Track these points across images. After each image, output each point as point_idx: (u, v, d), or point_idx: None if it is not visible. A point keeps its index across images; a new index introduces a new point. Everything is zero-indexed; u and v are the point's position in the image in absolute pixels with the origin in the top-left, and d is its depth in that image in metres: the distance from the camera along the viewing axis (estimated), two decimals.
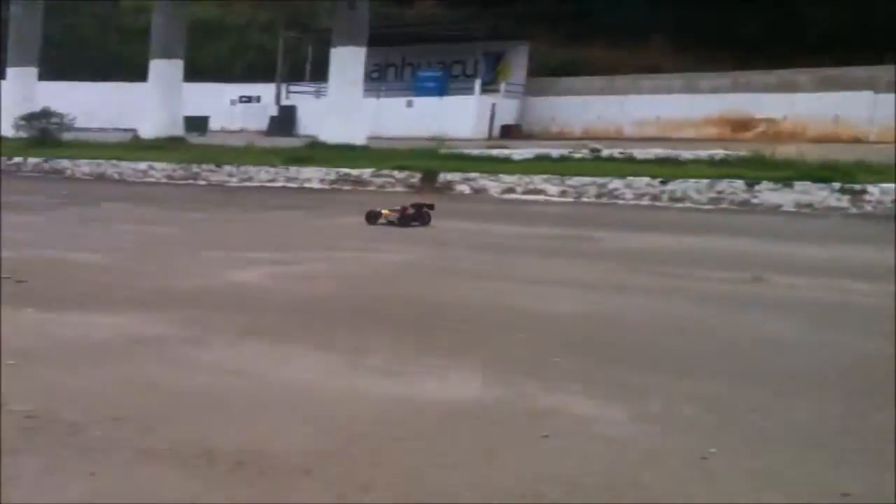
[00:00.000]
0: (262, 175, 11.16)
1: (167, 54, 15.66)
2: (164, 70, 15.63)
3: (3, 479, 1.94)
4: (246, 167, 11.33)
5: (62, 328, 3.52)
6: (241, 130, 32.34)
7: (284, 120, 29.78)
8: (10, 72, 17.83)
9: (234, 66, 37.41)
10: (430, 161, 11.14)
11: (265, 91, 33.95)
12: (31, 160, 12.91)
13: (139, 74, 39.38)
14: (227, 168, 11.41)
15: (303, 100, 31.16)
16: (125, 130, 26.63)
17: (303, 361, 3.04)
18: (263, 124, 31.13)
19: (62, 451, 2.14)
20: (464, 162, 11.15)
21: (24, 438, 2.22)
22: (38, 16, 18.30)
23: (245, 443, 2.19)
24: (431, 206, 7.31)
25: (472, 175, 10.05)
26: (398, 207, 7.21)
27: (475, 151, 12.65)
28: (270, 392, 2.68)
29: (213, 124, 28.23)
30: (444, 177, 10.16)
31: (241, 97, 34.35)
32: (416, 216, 7.16)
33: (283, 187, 10.96)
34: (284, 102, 31.41)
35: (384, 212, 7.20)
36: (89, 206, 8.81)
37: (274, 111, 31.17)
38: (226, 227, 7.33)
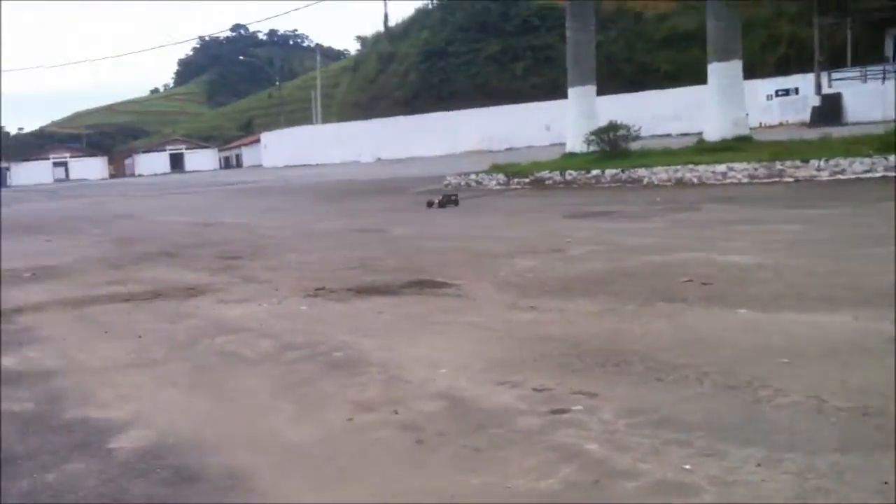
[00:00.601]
0: (855, 167, 10.50)
1: (724, 56, 15.62)
2: (723, 72, 15.61)
3: None
4: (836, 160, 10.75)
5: (796, 327, 3.54)
6: (780, 124, 31.34)
7: (829, 109, 28.05)
8: (572, 91, 19.17)
9: (765, 60, 36.45)
10: None
11: (802, 82, 32.52)
12: (609, 171, 13.72)
13: (665, 81, 40.46)
14: (814, 162, 10.93)
15: (848, 86, 29.06)
16: (661, 136, 27.45)
17: None
18: (804, 116, 29.79)
19: None
20: None
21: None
22: (592, 36, 19.45)
23: None
24: (455, 194, 12.37)
25: None
26: (440, 197, 11.95)
27: None
28: None
29: (751, 121, 27.69)
30: None
31: (778, 91, 33.34)
32: (448, 202, 11.71)
33: (883, 177, 10.17)
34: (826, 91, 29.55)
35: (436, 200, 11.75)
36: (690, 210, 9.02)
37: (815, 101, 29.51)
38: (855, 223, 6.93)
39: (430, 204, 11.75)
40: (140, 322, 5.05)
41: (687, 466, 2.13)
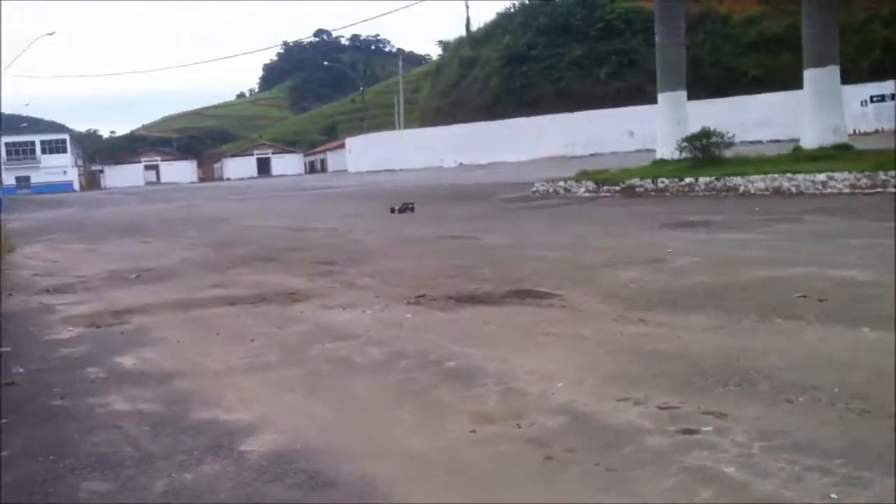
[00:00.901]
0: None
1: (821, 62, 15.19)
2: (820, 78, 15.18)
3: None
4: None
5: None
6: (876, 131, 30.36)
7: None
8: (662, 97, 18.73)
9: (859, 65, 35.35)
10: None
11: None
12: (702, 179, 13.46)
13: (753, 86, 39.50)
14: None
15: None
16: (750, 143, 26.82)
17: None
18: None
19: None
20: None
21: None
22: (682, 39, 19.03)
23: None
24: (413, 203, 14.47)
25: None
26: (400, 205, 14.32)
27: None
28: None
29: None
30: None
31: (873, 97, 32.35)
32: (406, 209, 14.04)
33: None
34: None
35: (396, 207, 14.17)
36: (792, 221, 8.81)
37: None
38: None
39: (392, 210, 14.28)
40: (249, 326, 5.18)
41: (833, 495, 2.08)
